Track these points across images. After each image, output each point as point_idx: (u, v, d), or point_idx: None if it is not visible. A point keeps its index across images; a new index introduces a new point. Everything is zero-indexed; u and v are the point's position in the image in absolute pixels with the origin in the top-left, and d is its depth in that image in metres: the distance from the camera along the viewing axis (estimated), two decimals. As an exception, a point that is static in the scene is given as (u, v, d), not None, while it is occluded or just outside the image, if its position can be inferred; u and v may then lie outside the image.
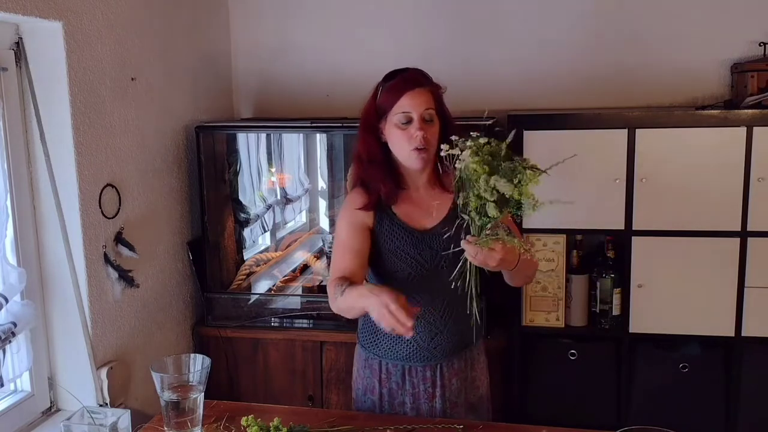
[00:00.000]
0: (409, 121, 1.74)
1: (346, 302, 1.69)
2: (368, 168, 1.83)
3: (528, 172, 1.48)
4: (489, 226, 1.53)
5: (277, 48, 3.10)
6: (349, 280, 1.72)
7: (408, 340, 1.84)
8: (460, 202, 1.57)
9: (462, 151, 1.52)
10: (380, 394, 1.91)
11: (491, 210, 1.48)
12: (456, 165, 1.53)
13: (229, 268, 2.91)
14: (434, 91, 1.79)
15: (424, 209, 1.83)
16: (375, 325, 1.88)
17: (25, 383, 2.11)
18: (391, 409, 1.90)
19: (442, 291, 1.80)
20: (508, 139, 1.55)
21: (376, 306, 1.52)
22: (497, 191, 1.47)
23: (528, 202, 1.48)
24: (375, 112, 1.80)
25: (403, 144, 1.76)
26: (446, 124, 1.82)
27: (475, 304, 1.67)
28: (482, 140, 1.53)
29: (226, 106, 3.11)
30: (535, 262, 1.86)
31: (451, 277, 1.66)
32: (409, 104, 1.74)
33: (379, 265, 1.85)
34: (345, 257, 1.82)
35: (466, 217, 1.56)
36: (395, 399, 1.89)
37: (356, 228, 1.82)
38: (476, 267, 1.61)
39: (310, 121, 2.77)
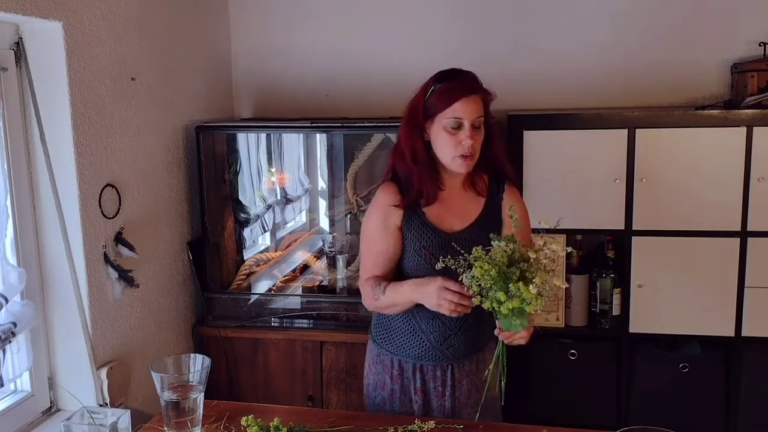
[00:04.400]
0: (460, 126, 1.74)
1: (389, 299, 1.78)
2: (413, 167, 1.82)
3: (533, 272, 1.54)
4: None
5: (278, 48, 3.10)
6: (385, 280, 1.80)
7: (421, 339, 1.86)
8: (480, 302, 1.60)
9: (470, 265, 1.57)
10: (391, 390, 1.92)
11: (521, 320, 1.57)
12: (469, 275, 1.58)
13: (229, 268, 2.90)
14: (485, 98, 1.78)
15: (454, 211, 1.84)
16: (389, 321, 1.91)
17: (25, 383, 2.11)
18: (402, 405, 1.91)
19: None
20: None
21: (434, 292, 1.66)
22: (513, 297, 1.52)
23: (535, 300, 1.51)
24: (423, 110, 1.79)
25: (450, 149, 1.76)
26: (490, 132, 1.82)
27: (501, 379, 1.73)
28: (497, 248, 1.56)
29: (226, 106, 3.11)
30: None
31: (490, 367, 1.74)
32: (462, 110, 1.73)
33: (400, 260, 1.86)
34: (375, 260, 1.85)
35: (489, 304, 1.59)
36: (406, 395, 1.91)
37: (387, 229, 1.83)
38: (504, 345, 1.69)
39: (310, 121, 2.77)
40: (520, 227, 1.74)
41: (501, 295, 1.50)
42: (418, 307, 1.83)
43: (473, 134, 1.74)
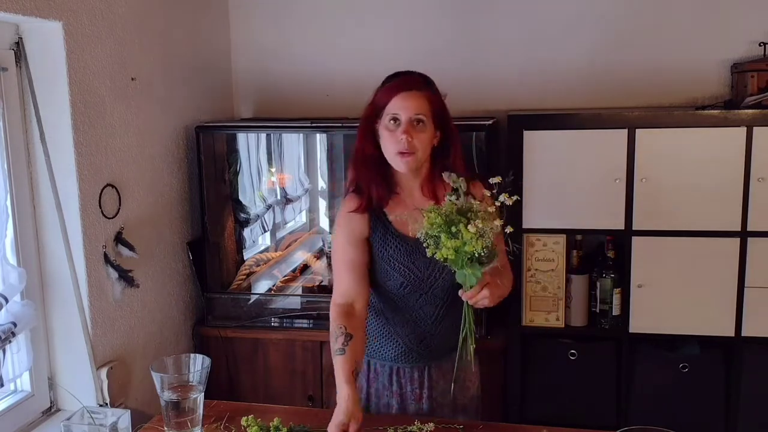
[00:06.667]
0: (398, 123, 1.71)
1: (334, 361, 1.74)
2: (361, 169, 1.81)
3: (480, 214, 1.55)
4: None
5: (277, 48, 3.10)
6: (346, 334, 1.74)
7: (397, 342, 1.85)
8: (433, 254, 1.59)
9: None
10: (367, 394, 1.91)
11: (473, 271, 1.57)
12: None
13: (229, 268, 2.91)
14: (431, 97, 1.74)
15: (419, 217, 1.76)
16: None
17: (25, 383, 2.11)
18: (377, 409, 1.90)
19: (435, 298, 1.80)
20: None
21: (334, 418, 1.60)
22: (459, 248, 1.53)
23: (481, 241, 1.53)
24: (373, 112, 1.78)
25: (390, 146, 1.73)
26: (446, 134, 1.79)
27: (470, 343, 1.68)
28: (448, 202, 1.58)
29: (226, 106, 3.11)
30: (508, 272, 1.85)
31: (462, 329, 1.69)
32: (399, 106, 1.71)
33: (372, 272, 1.82)
34: (344, 276, 1.81)
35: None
36: (381, 400, 1.89)
37: (353, 239, 1.80)
38: (471, 308, 1.66)
39: (310, 121, 2.77)
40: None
41: (444, 237, 1.52)
42: (392, 312, 1.83)
43: (410, 130, 1.70)
